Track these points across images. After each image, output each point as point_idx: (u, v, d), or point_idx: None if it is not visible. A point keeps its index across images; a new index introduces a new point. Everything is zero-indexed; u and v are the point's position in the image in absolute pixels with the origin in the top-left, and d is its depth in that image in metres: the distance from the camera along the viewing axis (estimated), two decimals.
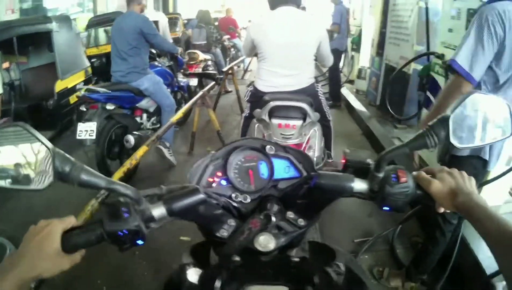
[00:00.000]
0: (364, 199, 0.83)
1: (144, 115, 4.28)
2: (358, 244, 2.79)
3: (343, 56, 6.95)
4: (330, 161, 2.93)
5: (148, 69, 4.16)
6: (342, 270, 0.87)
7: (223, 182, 0.93)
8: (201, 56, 6.95)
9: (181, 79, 5.54)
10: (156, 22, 7.52)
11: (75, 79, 5.13)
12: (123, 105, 3.94)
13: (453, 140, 0.73)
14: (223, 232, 0.85)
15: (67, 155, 0.69)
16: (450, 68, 1.79)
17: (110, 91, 3.72)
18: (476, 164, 1.94)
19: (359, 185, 0.80)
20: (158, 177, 4.10)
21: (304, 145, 2.41)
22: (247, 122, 2.81)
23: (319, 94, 2.83)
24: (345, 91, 6.44)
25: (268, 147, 0.93)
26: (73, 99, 5.01)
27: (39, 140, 0.68)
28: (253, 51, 2.85)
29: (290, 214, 0.87)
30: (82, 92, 3.62)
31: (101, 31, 7.94)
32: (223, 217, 0.86)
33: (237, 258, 0.83)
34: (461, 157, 1.92)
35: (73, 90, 4.87)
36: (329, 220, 2.94)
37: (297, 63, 2.66)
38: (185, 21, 10.43)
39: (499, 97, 0.79)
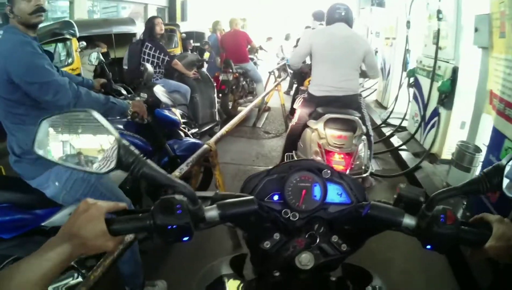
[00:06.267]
0: (410, 235, 0.82)
1: None
2: None
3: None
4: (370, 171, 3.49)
5: None
6: None
7: (276, 197, 0.94)
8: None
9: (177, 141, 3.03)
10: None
11: None
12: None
13: (505, 189, 0.74)
14: (267, 245, 0.88)
15: (132, 148, 0.74)
16: None
17: None
18: None
19: (408, 220, 0.80)
20: None
21: (354, 155, 2.89)
22: (295, 130, 3.42)
23: (363, 107, 3.38)
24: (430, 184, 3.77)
25: (324, 171, 0.95)
26: None
27: (107, 129, 0.74)
28: (304, 57, 3.63)
29: (335, 238, 0.89)
30: None
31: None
32: (270, 230, 0.89)
33: (277, 273, 0.90)
34: None
35: None
36: None
37: (345, 68, 3.26)
38: (184, 35, 7.74)
39: None
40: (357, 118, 2.88)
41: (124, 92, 2.83)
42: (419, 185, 3.66)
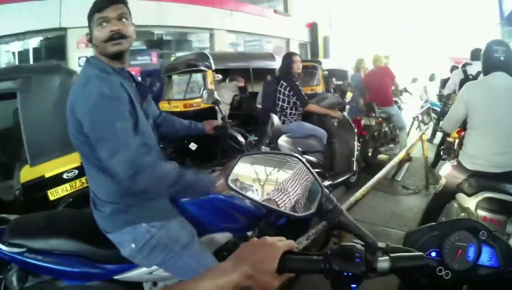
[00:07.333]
0: None
1: None
2: None
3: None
4: None
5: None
6: None
7: (433, 254, 0.94)
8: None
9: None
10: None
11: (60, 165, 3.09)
12: None
13: None
14: None
15: (332, 196, 0.83)
16: None
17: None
18: None
19: None
20: None
21: None
22: (438, 199, 2.94)
23: None
24: None
25: (481, 232, 0.94)
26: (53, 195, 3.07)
27: (314, 177, 0.84)
28: (461, 120, 2.72)
29: None
30: None
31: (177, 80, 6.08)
32: (424, 286, 0.93)
33: None
34: None
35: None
36: None
37: (508, 135, 2.49)
38: (326, 73, 7.51)
39: None
40: None
41: (241, 138, 2.37)
42: None
